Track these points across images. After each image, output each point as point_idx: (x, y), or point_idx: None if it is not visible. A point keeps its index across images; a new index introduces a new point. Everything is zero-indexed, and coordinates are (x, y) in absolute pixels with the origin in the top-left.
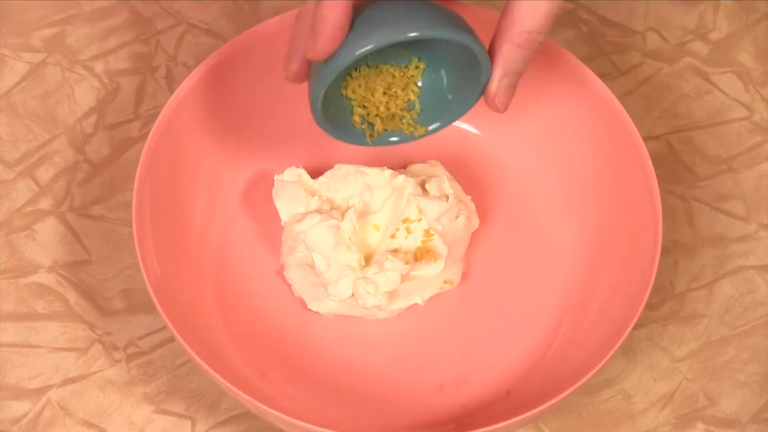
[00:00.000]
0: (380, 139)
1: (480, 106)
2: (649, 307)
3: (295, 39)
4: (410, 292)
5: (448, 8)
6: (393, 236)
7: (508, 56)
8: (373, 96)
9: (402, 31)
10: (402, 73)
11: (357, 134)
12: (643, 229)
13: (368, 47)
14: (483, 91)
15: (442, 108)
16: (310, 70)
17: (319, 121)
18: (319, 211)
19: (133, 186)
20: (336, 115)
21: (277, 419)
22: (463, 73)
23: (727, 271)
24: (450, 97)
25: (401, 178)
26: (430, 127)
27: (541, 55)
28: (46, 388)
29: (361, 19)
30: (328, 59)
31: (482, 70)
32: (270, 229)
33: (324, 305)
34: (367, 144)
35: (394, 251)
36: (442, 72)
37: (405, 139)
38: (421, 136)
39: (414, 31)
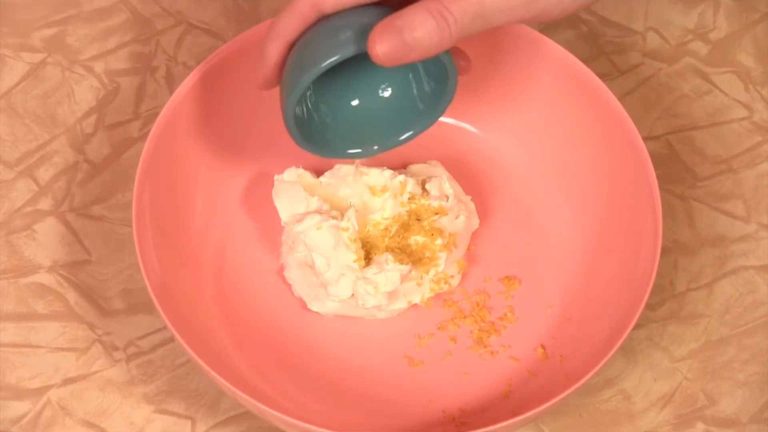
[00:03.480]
0: (350, 149)
1: (480, 106)
2: (649, 307)
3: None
4: (410, 292)
5: None
6: (403, 203)
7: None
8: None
9: (348, 49)
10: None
11: (330, 147)
12: (643, 229)
13: (326, 63)
14: (451, 95)
15: (414, 114)
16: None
17: (294, 136)
18: (318, 211)
19: (133, 186)
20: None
21: (277, 419)
22: (430, 76)
23: (727, 271)
24: (420, 105)
25: (401, 178)
26: (402, 137)
27: (541, 55)
28: (46, 388)
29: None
30: (291, 79)
31: (449, 74)
32: (270, 229)
33: (324, 305)
34: (337, 156)
35: (395, 251)
36: (410, 76)
37: (376, 150)
38: (391, 147)
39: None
